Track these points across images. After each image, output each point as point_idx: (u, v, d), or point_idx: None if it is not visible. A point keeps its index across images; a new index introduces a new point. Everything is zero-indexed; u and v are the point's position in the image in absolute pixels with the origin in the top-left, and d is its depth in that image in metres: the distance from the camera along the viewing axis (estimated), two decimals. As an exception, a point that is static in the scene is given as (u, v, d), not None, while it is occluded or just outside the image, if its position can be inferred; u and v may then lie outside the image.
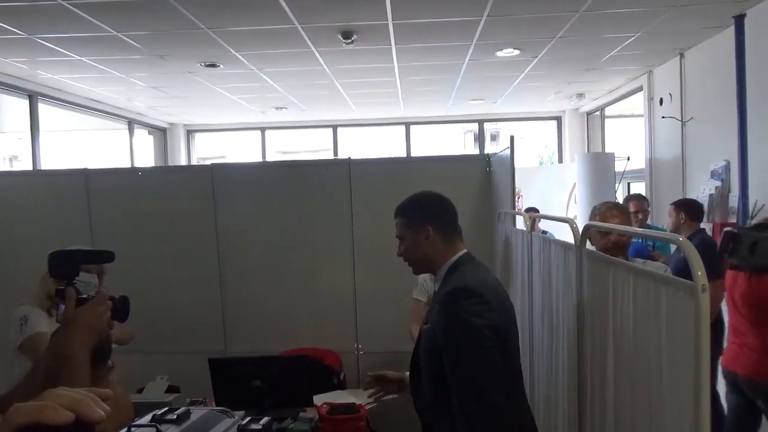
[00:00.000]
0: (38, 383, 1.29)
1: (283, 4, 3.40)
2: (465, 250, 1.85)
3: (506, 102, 7.13)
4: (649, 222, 5.04)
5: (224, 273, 4.00)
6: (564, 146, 8.11)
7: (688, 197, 4.41)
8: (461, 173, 3.98)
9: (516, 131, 9.34)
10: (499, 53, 4.74)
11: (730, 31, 4.15)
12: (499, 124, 9.15)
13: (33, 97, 5.35)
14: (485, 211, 3.87)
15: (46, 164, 5.52)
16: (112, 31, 3.81)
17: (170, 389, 2.92)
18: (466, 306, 1.63)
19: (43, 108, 5.56)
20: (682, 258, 3.81)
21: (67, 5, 3.30)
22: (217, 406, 2.75)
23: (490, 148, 8.56)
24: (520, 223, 3.10)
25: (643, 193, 5.65)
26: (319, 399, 2.89)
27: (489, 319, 1.62)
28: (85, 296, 1.37)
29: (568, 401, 1.93)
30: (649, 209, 4.75)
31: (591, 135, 7.79)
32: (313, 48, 4.39)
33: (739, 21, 4.05)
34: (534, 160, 9.81)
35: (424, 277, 3.27)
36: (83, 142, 9.43)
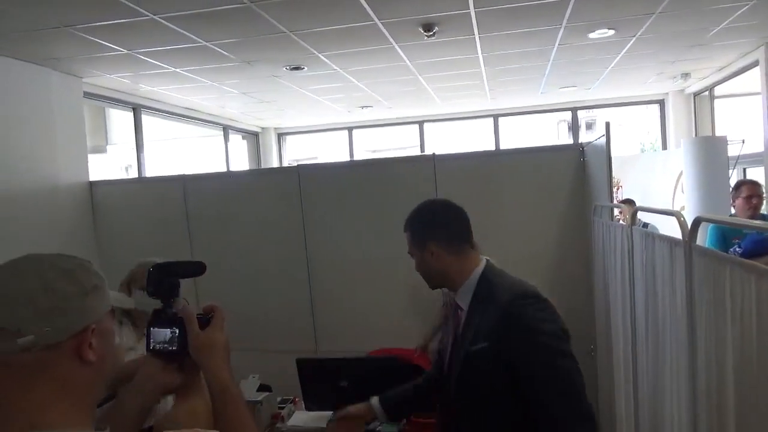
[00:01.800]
0: (131, 417, 1.16)
1: (362, 0, 3.36)
2: (486, 259, 1.70)
3: (601, 87, 6.70)
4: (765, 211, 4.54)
5: (313, 272, 4.05)
6: (668, 131, 7.52)
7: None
8: (553, 165, 3.77)
9: (614, 118, 8.80)
10: (591, 35, 4.44)
11: None
12: (595, 111, 8.64)
13: (136, 110, 5.71)
14: (580, 204, 3.63)
15: (153, 172, 5.89)
16: (201, 40, 3.95)
17: (262, 388, 2.98)
18: (538, 312, 1.54)
19: (147, 119, 5.93)
20: (759, 239, 3.34)
21: (158, 19, 3.46)
22: (305, 405, 2.77)
23: (585, 138, 8.11)
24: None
25: (763, 179, 5.11)
26: (407, 401, 2.82)
27: (560, 321, 1.55)
28: (200, 315, 1.20)
29: (678, 421, 1.72)
30: (765, 195, 4.27)
31: (699, 118, 7.15)
32: (394, 43, 4.33)
33: None
34: (635, 148, 9.20)
35: None
36: (185, 149, 10.03)
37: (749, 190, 3.83)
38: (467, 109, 7.75)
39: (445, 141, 9.06)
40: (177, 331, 1.18)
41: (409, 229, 1.76)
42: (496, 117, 7.94)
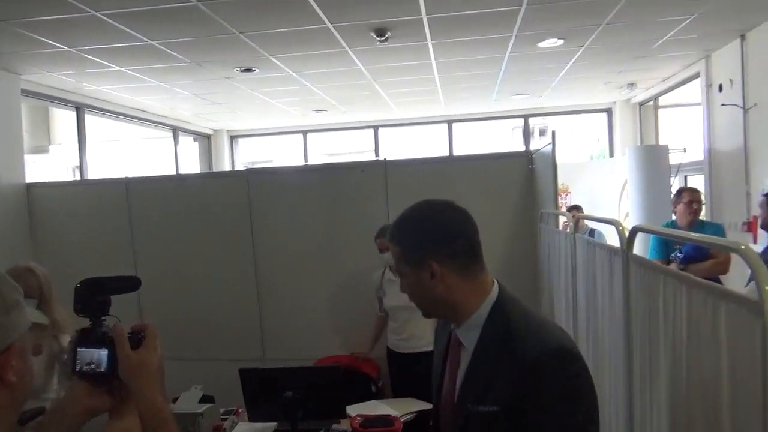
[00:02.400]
0: None
1: (313, 3, 3.32)
2: (496, 283, 1.27)
3: (552, 95, 6.85)
4: (706, 218, 4.71)
5: (261, 279, 3.97)
6: (615, 139, 7.74)
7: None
8: (503, 172, 3.82)
9: (566, 125, 8.99)
10: (541, 44, 4.52)
11: (797, 8, 3.81)
12: (549, 118, 8.82)
13: (80, 109, 5.48)
14: (529, 211, 3.68)
15: (100, 174, 5.66)
16: (147, 39, 3.82)
17: (205, 399, 2.88)
18: (576, 379, 1.13)
19: (94, 119, 5.70)
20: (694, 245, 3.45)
21: (100, 16, 3.33)
22: (249, 417, 2.69)
23: (539, 145, 8.26)
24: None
25: (702, 187, 5.31)
26: (354, 409, 2.79)
27: (594, 392, 1.16)
28: (131, 334, 1.10)
29: (616, 419, 1.75)
30: (704, 202, 4.43)
31: (644, 127, 7.39)
32: (347, 48, 4.29)
33: (808, -4, 3.70)
34: (585, 155, 9.44)
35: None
36: (132, 151, 9.73)
37: (690, 196, 3.98)
38: (422, 114, 7.78)
39: (400, 146, 9.08)
40: (106, 352, 1.08)
41: (400, 241, 1.27)
42: (450, 123, 8.01)
